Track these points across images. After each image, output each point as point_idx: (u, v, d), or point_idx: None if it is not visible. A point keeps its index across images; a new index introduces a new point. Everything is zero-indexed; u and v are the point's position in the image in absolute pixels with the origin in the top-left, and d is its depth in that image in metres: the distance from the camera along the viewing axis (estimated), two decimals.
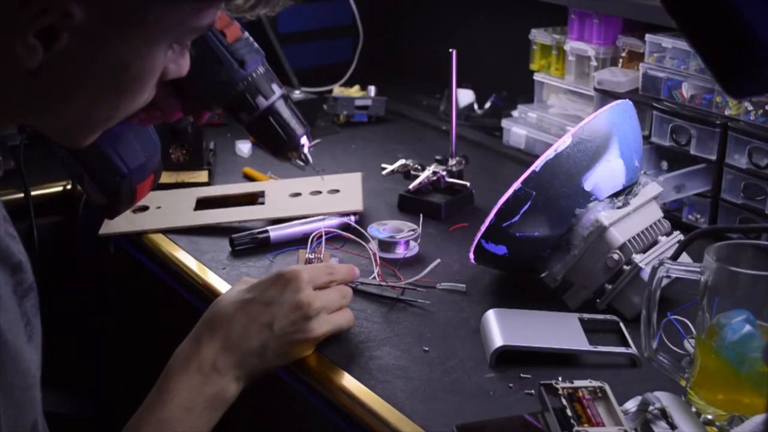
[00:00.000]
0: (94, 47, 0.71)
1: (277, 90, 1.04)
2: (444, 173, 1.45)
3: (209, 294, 1.21)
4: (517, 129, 1.70)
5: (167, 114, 1.02)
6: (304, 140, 1.08)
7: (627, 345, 1.02)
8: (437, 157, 1.48)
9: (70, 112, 0.76)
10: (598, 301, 1.10)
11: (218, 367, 0.94)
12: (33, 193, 1.46)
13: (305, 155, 1.08)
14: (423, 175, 1.44)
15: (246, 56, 1.01)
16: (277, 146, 1.07)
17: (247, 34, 1.03)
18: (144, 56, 0.74)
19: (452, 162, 1.46)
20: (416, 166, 1.47)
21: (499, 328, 1.03)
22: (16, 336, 0.74)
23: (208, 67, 0.99)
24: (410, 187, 1.44)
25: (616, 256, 1.07)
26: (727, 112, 1.31)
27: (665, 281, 0.94)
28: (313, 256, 1.17)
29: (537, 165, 1.08)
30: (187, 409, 0.91)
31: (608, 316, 1.08)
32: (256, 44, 1.03)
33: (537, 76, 1.70)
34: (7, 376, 0.72)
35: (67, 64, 0.71)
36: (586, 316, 1.07)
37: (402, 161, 1.49)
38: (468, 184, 1.46)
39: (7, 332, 0.72)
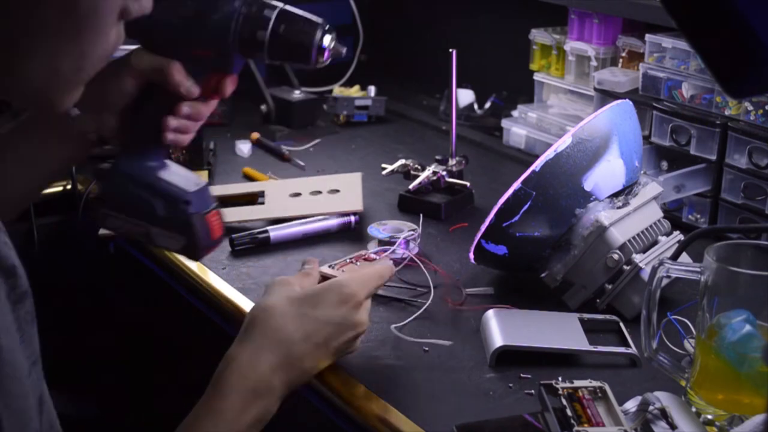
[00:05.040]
0: None
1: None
2: (444, 173, 1.44)
3: (209, 294, 1.21)
4: (517, 129, 1.70)
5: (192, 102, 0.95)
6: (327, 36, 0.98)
7: (627, 345, 1.02)
8: (437, 157, 1.48)
9: (32, 68, 0.72)
10: (598, 301, 1.10)
11: (272, 387, 0.92)
12: None
13: (336, 46, 0.97)
14: (423, 175, 1.44)
15: None
16: (300, 52, 0.97)
17: None
18: None
19: (452, 162, 1.46)
20: (416, 166, 1.47)
21: (499, 328, 1.03)
22: (10, 341, 0.73)
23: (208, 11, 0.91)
24: (410, 187, 1.44)
25: (616, 256, 1.07)
26: (727, 112, 1.31)
27: (665, 281, 0.94)
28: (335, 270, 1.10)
29: (537, 165, 1.08)
30: (235, 431, 0.89)
31: (608, 316, 1.08)
32: None
33: (537, 76, 1.70)
34: (5, 383, 0.71)
35: (11, 11, 0.67)
36: (586, 316, 1.07)
37: (402, 161, 1.49)
38: (468, 184, 1.46)
39: (2, 337, 0.71)
